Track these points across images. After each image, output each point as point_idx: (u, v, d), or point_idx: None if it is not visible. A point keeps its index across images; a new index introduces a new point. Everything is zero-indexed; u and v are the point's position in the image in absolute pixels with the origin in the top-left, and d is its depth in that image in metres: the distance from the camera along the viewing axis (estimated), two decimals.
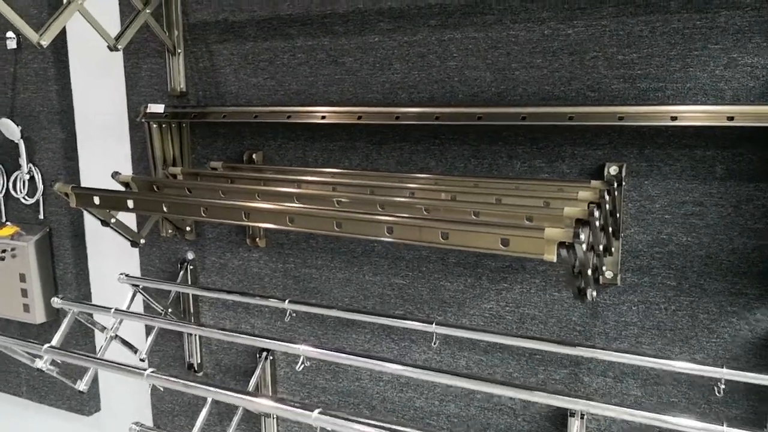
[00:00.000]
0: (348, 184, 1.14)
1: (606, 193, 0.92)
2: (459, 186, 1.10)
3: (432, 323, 1.12)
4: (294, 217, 0.93)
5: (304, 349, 1.06)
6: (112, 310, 1.28)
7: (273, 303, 1.25)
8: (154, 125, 1.47)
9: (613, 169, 1.17)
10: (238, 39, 1.47)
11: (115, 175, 1.17)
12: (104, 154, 1.77)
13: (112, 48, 1.36)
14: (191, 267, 1.62)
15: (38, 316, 1.84)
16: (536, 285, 1.27)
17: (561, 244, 0.70)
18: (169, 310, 1.55)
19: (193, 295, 1.62)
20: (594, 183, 1.04)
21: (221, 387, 0.99)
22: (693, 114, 1.03)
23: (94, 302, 1.85)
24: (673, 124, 1.03)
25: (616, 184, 1.14)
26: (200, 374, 1.69)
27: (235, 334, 1.16)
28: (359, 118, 1.25)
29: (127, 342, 1.46)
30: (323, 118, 1.29)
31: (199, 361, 1.68)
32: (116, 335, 1.40)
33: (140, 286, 1.45)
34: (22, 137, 1.80)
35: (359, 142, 1.39)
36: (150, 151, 1.48)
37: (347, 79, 1.38)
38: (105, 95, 1.70)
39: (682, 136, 1.12)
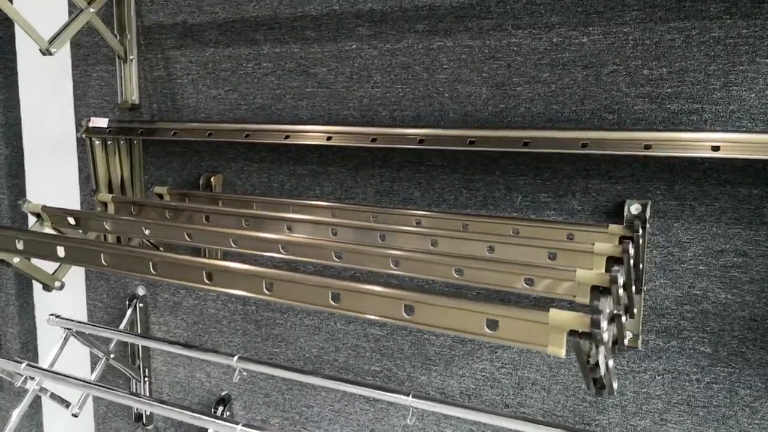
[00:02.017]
0: (301, 221, 0.93)
1: (630, 244, 0.71)
2: (445, 226, 0.89)
3: (408, 395, 0.90)
4: (273, 283, 0.67)
5: (241, 430, 0.84)
6: (23, 365, 1.07)
7: (220, 359, 1.04)
8: (97, 142, 1.26)
9: (634, 208, 0.95)
10: (197, 44, 1.27)
11: (23, 203, 0.96)
12: (54, 172, 1.56)
13: (45, 52, 1.16)
14: (141, 305, 1.41)
15: None
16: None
17: (573, 332, 0.49)
18: (112, 355, 1.33)
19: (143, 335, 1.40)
20: (613, 228, 0.82)
21: None
22: (738, 143, 0.82)
23: (39, 339, 1.64)
24: (713, 156, 0.82)
25: (639, 228, 0.93)
26: (150, 427, 1.47)
27: (174, 408, 0.94)
28: (329, 138, 1.04)
29: (57, 396, 1.24)
30: (287, 137, 1.08)
31: (148, 413, 1.46)
32: (41, 387, 1.18)
33: (73, 330, 1.24)
34: None
35: (332, 166, 1.18)
36: (92, 171, 1.28)
37: (319, 93, 1.17)
38: (55, 107, 1.50)
39: (723, 170, 0.91)
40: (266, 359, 1.30)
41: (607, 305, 0.59)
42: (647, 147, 0.85)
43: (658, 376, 0.98)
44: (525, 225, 0.87)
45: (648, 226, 0.95)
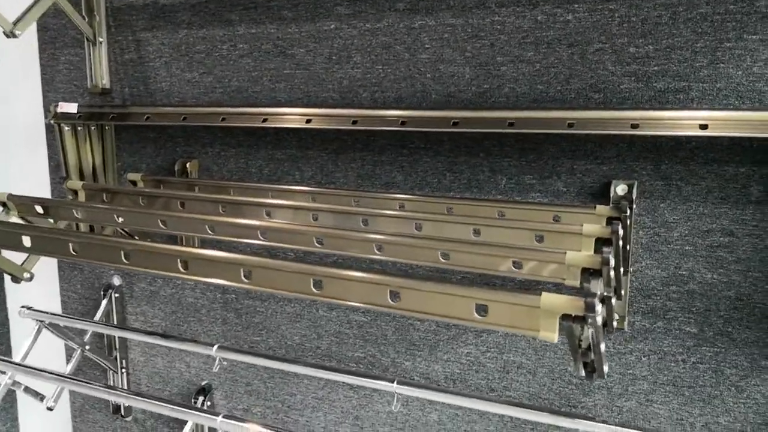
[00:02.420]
0: (279, 207, 0.90)
1: (619, 225, 0.70)
2: (429, 210, 0.87)
3: (393, 381, 0.89)
4: (252, 270, 0.64)
5: (221, 422, 0.82)
6: None
7: (200, 349, 1.01)
8: (67, 128, 1.21)
9: (621, 189, 0.94)
10: (169, 26, 1.23)
11: None
12: (23, 160, 1.51)
13: (9, 34, 1.10)
14: (116, 295, 1.37)
15: None
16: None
17: (566, 317, 0.48)
18: (87, 347, 1.29)
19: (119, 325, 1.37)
20: (600, 209, 0.81)
21: None
22: (726, 121, 0.81)
23: (12, 332, 1.59)
24: (701, 134, 0.80)
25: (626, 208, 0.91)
26: (128, 419, 1.44)
27: (152, 400, 0.91)
28: (308, 121, 1.01)
29: (31, 389, 1.21)
30: (265, 120, 1.05)
31: (127, 404, 1.42)
32: (14, 381, 1.15)
33: (46, 322, 1.20)
34: None
35: (312, 150, 1.15)
36: (62, 158, 1.23)
37: (297, 75, 1.13)
38: (25, 92, 1.44)
39: (710, 149, 0.90)
40: (247, 348, 1.27)
41: (598, 287, 0.58)
42: (634, 126, 0.84)
43: (644, 357, 0.98)
44: (510, 207, 0.85)
45: (634, 206, 0.94)
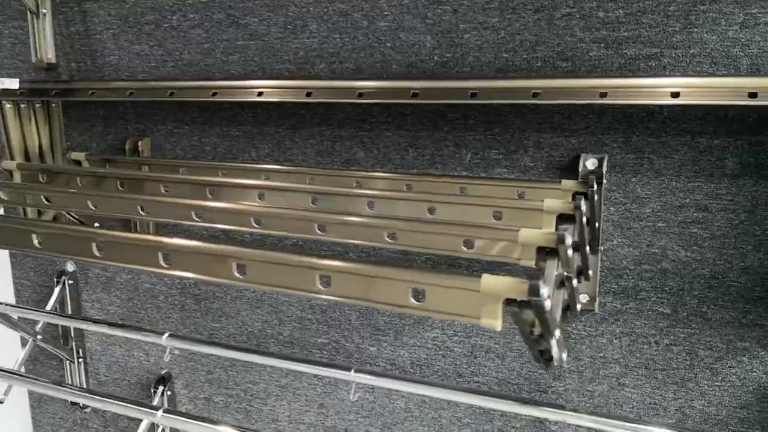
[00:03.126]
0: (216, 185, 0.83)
1: (583, 200, 0.64)
2: (388, 187, 0.81)
3: (350, 370, 0.83)
4: (246, 265, 0.54)
5: (161, 417, 0.76)
6: None
7: (149, 338, 0.96)
8: (8, 105, 1.14)
9: (590, 163, 0.89)
10: None
11: None
12: None
13: None
14: (71, 281, 1.31)
15: None
16: None
17: (511, 302, 0.42)
18: (39, 336, 1.23)
19: (71, 314, 1.31)
20: (566, 183, 0.75)
21: None
22: (700, 89, 0.76)
23: None
24: (673, 102, 0.75)
25: (595, 183, 0.86)
26: (87, 410, 1.38)
27: (101, 397, 0.85)
28: (260, 94, 0.95)
29: None
30: (215, 94, 0.98)
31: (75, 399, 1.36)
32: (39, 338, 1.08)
33: None
34: None
35: (268, 126, 1.08)
36: (4, 138, 1.16)
37: (251, 46, 1.07)
38: None
39: (683, 120, 0.85)
40: (206, 335, 1.22)
41: (554, 268, 0.52)
42: (603, 95, 0.79)
43: (616, 339, 0.93)
44: (472, 183, 0.80)
45: (604, 181, 0.89)
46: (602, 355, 0.95)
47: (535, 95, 0.81)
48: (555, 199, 0.63)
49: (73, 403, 1.39)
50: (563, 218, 0.65)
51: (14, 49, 1.27)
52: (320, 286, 0.46)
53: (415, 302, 0.45)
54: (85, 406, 1.37)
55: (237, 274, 0.54)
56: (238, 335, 1.19)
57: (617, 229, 0.90)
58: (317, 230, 0.62)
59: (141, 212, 0.80)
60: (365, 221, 0.59)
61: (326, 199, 0.77)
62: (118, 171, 0.94)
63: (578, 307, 0.90)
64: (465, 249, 0.57)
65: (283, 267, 0.47)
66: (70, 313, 1.32)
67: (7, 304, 1.15)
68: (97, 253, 0.63)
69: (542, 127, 0.92)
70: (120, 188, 0.88)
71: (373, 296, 0.45)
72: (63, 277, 1.31)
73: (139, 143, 1.16)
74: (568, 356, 0.96)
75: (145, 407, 0.77)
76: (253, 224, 0.65)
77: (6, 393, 1.18)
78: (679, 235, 0.88)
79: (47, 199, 0.86)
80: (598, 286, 0.92)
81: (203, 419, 0.74)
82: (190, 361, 1.25)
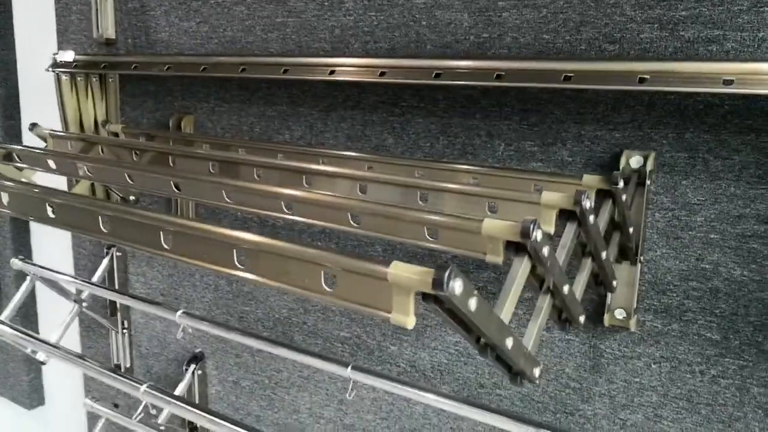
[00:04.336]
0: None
1: (584, 196, 0.55)
2: (393, 169, 0.75)
3: (347, 366, 0.78)
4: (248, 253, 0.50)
5: (144, 392, 0.74)
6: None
7: (161, 312, 0.95)
8: (65, 77, 1.18)
9: (635, 161, 0.78)
10: None
11: None
12: (49, 113, 1.50)
13: None
14: (119, 254, 1.34)
15: None
16: (517, 317, 0.90)
17: (426, 296, 0.35)
18: (84, 304, 1.27)
19: (118, 286, 1.34)
20: (588, 179, 0.66)
21: None
22: (760, 75, 0.63)
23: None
24: (724, 91, 0.64)
25: (633, 182, 0.76)
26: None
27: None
28: (285, 71, 0.92)
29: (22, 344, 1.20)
30: (243, 70, 0.96)
31: (128, 365, 1.40)
32: (84, 306, 1.13)
33: (38, 276, 1.18)
34: None
35: (302, 107, 1.05)
36: (60, 110, 1.20)
37: (290, 24, 1.04)
38: (40, 43, 1.43)
39: (746, 115, 0.72)
40: (237, 317, 1.21)
41: (521, 266, 0.45)
42: (642, 80, 0.68)
43: (655, 364, 0.82)
44: (487, 174, 0.72)
45: (650, 182, 0.78)
46: (638, 380, 0.83)
47: (566, 78, 0.72)
48: (555, 193, 0.54)
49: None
50: (566, 215, 0.56)
51: (80, 25, 1.32)
52: (237, 264, 0.42)
53: (327, 288, 0.39)
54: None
55: (238, 264, 0.49)
56: (266, 320, 1.17)
57: (662, 238, 0.79)
58: (285, 209, 0.57)
59: (175, 189, 0.78)
60: (332, 201, 0.53)
61: (324, 183, 0.72)
62: (156, 145, 0.93)
63: (606, 321, 0.80)
64: (429, 239, 0.50)
65: (207, 240, 0.43)
66: (117, 285, 1.36)
67: (50, 270, 1.19)
68: (103, 230, 0.58)
69: (584, 118, 0.82)
70: (167, 163, 0.86)
71: (290, 280, 0.40)
72: (111, 249, 1.34)
73: (183, 120, 1.17)
74: (600, 376, 0.85)
75: (133, 381, 0.76)
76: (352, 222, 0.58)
77: (48, 356, 1.23)
78: (735, 249, 0.75)
79: (88, 170, 0.87)
80: (636, 301, 0.81)
81: (181, 399, 0.72)
82: (221, 342, 1.24)
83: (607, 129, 0.80)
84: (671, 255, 0.79)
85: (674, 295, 0.79)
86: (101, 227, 0.48)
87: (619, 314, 0.82)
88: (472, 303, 0.35)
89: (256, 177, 0.74)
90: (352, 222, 0.54)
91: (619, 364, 0.84)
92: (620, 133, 0.80)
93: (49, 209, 0.63)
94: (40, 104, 1.51)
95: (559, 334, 0.88)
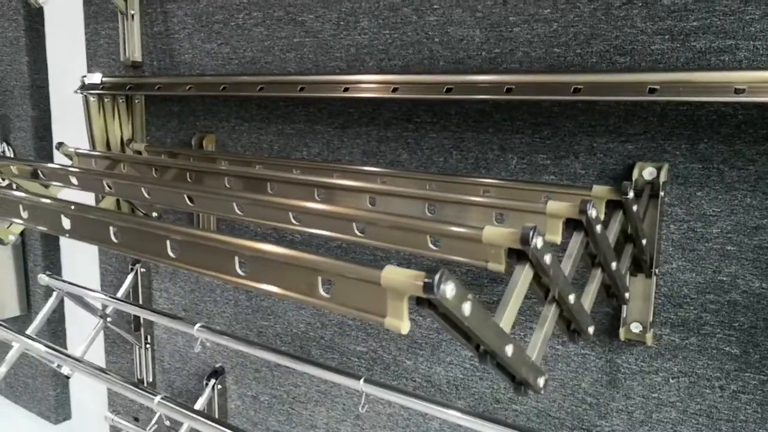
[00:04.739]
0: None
1: (590, 205, 0.55)
2: (405, 183, 0.76)
3: (360, 379, 0.78)
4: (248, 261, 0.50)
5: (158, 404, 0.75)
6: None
7: (180, 326, 0.97)
8: (92, 99, 1.22)
9: (648, 172, 0.77)
10: None
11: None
12: (80, 133, 1.55)
13: (34, 4, 1.12)
14: (143, 270, 1.37)
15: (6, 309, 1.67)
16: (532, 333, 0.90)
17: (420, 301, 0.35)
18: (109, 318, 1.30)
19: (142, 301, 1.37)
20: (598, 190, 0.66)
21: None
22: None
23: (66, 302, 1.65)
24: (735, 100, 0.63)
25: (647, 194, 0.75)
26: None
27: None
28: (301, 89, 0.93)
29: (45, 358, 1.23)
30: (260, 89, 0.98)
31: (150, 380, 1.42)
32: (108, 321, 1.16)
33: (64, 291, 1.21)
34: None
35: (319, 125, 1.07)
36: (88, 130, 1.24)
37: (307, 43, 1.06)
38: (72, 66, 1.48)
39: (761, 124, 0.71)
40: (256, 332, 1.22)
41: (523, 274, 0.45)
42: (652, 91, 0.68)
43: (673, 379, 0.80)
44: (498, 186, 0.72)
45: (664, 194, 0.77)
46: (656, 395, 0.82)
47: (575, 91, 0.72)
48: (561, 202, 0.54)
49: None
50: (573, 225, 0.56)
51: (108, 49, 1.36)
52: (239, 271, 0.43)
53: (324, 294, 0.39)
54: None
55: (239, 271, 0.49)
56: (284, 335, 1.18)
57: (678, 251, 0.78)
58: (293, 220, 0.58)
59: (188, 202, 0.80)
60: (332, 211, 0.54)
61: (338, 196, 0.73)
62: (177, 162, 0.96)
63: (622, 335, 0.79)
64: (432, 247, 0.50)
65: (207, 248, 0.44)
66: (141, 301, 1.38)
67: (76, 285, 1.22)
68: (114, 240, 0.60)
69: (596, 130, 0.82)
70: (187, 179, 0.89)
71: (287, 286, 0.41)
72: (136, 265, 1.37)
73: (204, 139, 1.20)
74: (617, 392, 0.84)
75: (148, 392, 0.77)
76: (188, 201, 0.62)
77: (72, 370, 1.26)
78: (752, 261, 0.74)
79: (109, 186, 0.90)
80: (653, 315, 0.80)
81: (194, 410, 0.73)
82: (241, 357, 1.26)
83: (620, 141, 0.80)
84: (687, 267, 0.78)
85: (691, 308, 0.78)
86: (112, 238, 0.50)
87: (635, 328, 0.80)
88: (466, 307, 0.36)
89: (269, 191, 0.76)
90: (357, 232, 0.54)
91: (636, 379, 0.83)
92: (633, 145, 0.79)
93: (65, 221, 0.66)
94: (71, 125, 1.56)
95: (574, 348, 0.87)
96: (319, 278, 0.39)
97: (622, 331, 0.81)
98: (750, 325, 0.75)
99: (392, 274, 0.35)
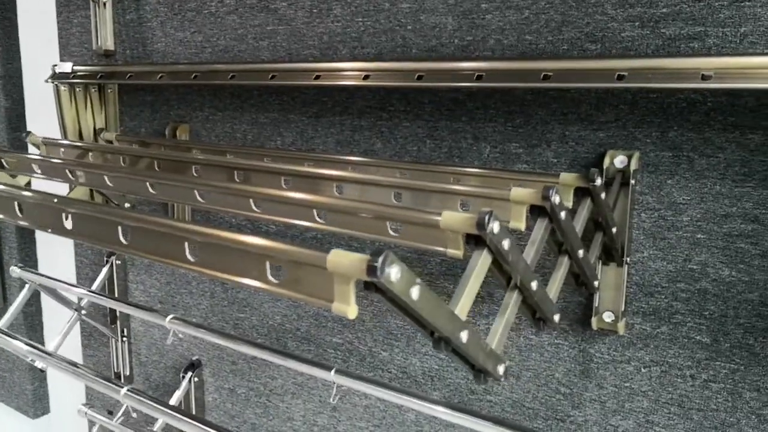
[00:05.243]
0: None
1: (553, 191, 0.54)
2: (377, 171, 0.75)
3: (331, 370, 0.77)
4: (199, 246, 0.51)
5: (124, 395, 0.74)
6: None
7: (152, 318, 0.95)
8: (63, 88, 1.20)
9: (619, 161, 0.77)
10: None
11: None
12: (55, 123, 1.53)
13: None
14: (118, 262, 1.35)
15: None
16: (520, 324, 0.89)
17: (367, 285, 0.35)
18: (83, 311, 1.28)
19: (118, 293, 1.35)
20: (565, 177, 0.65)
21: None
22: (740, 69, 0.62)
23: (42, 296, 1.63)
24: (702, 86, 0.63)
25: (618, 182, 0.75)
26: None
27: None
28: (272, 77, 0.92)
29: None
30: (232, 77, 0.97)
31: (127, 373, 1.41)
32: (83, 314, 1.15)
33: (37, 283, 1.20)
34: None
35: (293, 114, 1.05)
36: (59, 120, 1.22)
37: (280, 31, 1.04)
38: (44, 56, 1.46)
39: (730, 112, 0.71)
40: (232, 324, 1.21)
41: (481, 259, 0.44)
42: (620, 78, 0.67)
43: (644, 368, 0.80)
44: (466, 174, 0.72)
45: (634, 182, 0.77)
46: (628, 385, 0.82)
47: (545, 78, 0.71)
48: (524, 189, 0.53)
49: (115, 378, 1.43)
50: (537, 211, 0.55)
51: (81, 37, 1.34)
52: (189, 257, 0.42)
53: (273, 279, 0.38)
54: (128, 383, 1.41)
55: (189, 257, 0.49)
56: (260, 327, 1.17)
57: (648, 239, 0.77)
58: (254, 207, 0.57)
59: (150, 190, 0.78)
60: (292, 198, 0.53)
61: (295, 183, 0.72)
62: (145, 150, 0.94)
63: (594, 325, 0.79)
64: (393, 234, 0.49)
65: (156, 233, 0.43)
66: (116, 293, 1.37)
67: (48, 277, 1.20)
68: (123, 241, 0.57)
69: (567, 118, 0.81)
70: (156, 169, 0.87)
71: (235, 270, 0.40)
72: (111, 258, 1.36)
73: (178, 129, 1.18)
74: (590, 381, 0.84)
75: (112, 383, 0.76)
76: (150, 189, 0.61)
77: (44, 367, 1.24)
78: (722, 249, 0.73)
79: (71, 173, 0.88)
80: (624, 304, 0.79)
81: (157, 400, 0.72)
82: (217, 350, 1.24)
83: (591, 129, 0.80)
84: (658, 256, 0.77)
85: (662, 297, 0.78)
86: (64, 224, 0.49)
87: (608, 317, 0.80)
88: (414, 292, 0.35)
89: (236, 179, 0.74)
90: (317, 218, 0.54)
91: (609, 369, 0.83)
92: (604, 133, 0.79)
93: (17, 207, 0.64)
94: (45, 116, 1.54)
95: (548, 338, 0.87)
96: (268, 263, 0.38)
97: (594, 320, 0.81)
98: (720, 314, 0.75)
99: (338, 258, 0.34)
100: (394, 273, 0.34)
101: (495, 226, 0.42)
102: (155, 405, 0.72)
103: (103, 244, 0.47)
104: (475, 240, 0.44)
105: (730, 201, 0.72)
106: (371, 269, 0.33)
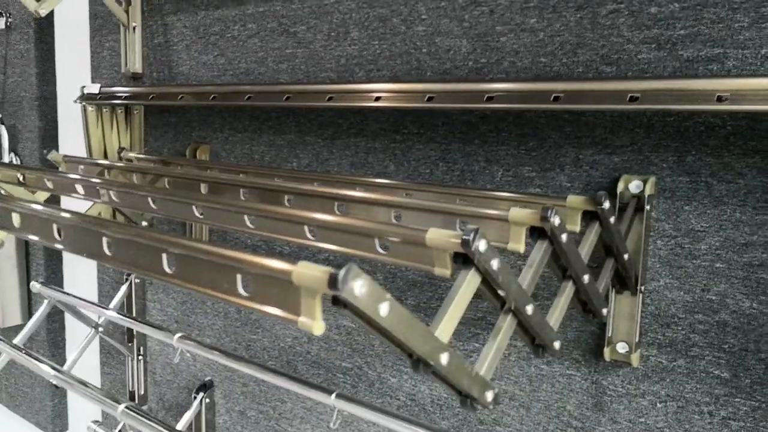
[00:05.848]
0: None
1: (552, 212, 0.52)
2: (385, 192, 0.74)
3: (331, 394, 0.76)
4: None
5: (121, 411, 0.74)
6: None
7: (161, 336, 0.95)
8: (90, 108, 1.23)
9: (634, 186, 0.74)
10: (190, 8, 1.21)
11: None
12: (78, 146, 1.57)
13: (35, 13, 1.14)
14: (137, 280, 1.36)
15: (8, 318, 1.67)
16: (517, 350, 0.86)
17: (335, 300, 0.33)
18: (101, 329, 1.29)
19: (136, 312, 1.36)
20: (572, 200, 0.63)
21: None
22: (762, 92, 0.60)
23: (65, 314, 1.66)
24: (717, 108, 0.60)
25: (632, 207, 0.72)
26: (144, 408, 1.42)
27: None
28: (287, 98, 0.93)
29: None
30: (248, 98, 0.98)
31: (142, 392, 1.41)
32: (101, 331, 1.16)
33: (55, 299, 1.21)
34: (2, 123, 1.65)
35: (309, 136, 1.06)
36: (86, 140, 1.25)
37: (299, 54, 1.05)
38: (79, 78, 1.50)
39: (751, 136, 0.68)
40: (245, 345, 1.20)
41: (467, 279, 0.42)
42: (633, 99, 0.66)
43: (660, 403, 0.76)
44: (472, 195, 0.70)
45: (649, 207, 0.74)
46: (643, 420, 0.78)
47: (555, 99, 0.70)
48: (523, 209, 0.52)
49: (130, 399, 1.44)
50: (537, 233, 0.53)
51: (111, 60, 1.38)
52: (167, 269, 0.41)
53: (243, 292, 0.37)
54: (142, 403, 1.41)
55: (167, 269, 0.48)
56: (271, 349, 1.16)
57: (664, 268, 0.74)
58: (248, 223, 0.56)
59: (152, 205, 0.79)
60: (281, 213, 0.53)
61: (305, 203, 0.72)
62: (159, 168, 0.96)
63: (607, 356, 0.76)
64: (380, 251, 0.48)
65: (136, 243, 0.43)
66: (134, 312, 1.38)
67: (68, 294, 1.22)
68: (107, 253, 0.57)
69: (581, 142, 0.79)
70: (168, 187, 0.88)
71: (208, 283, 0.39)
72: (130, 276, 1.37)
73: (198, 149, 1.19)
74: (603, 415, 0.80)
75: (111, 399, 0.76)
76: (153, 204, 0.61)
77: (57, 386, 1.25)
78: (742, 280, 0.70)
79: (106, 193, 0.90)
80: (639, 334, 0.76)
81: (158, 421, 0.71)
82: (229, 371, 1.24)
83: (606, 153, 0.77)
84: (675, 285, 0.74)
85: (679, 328, 0.74)
86: (55, 236, 0.49)
87: (621, 348, 0.77)
88: (383, 308, 0.33)
89: (242, 197, 0.74)
90: (308, 235, 0.53)
91: (622, 403, 0.79)
92: (619, 157, 0.77)
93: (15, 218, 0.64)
94: (77, 136, 1.58)
95: (559, 368, 0.84)
96: (239, 276, 0.37)
97: (607, 350, 0.77)
98: (740, 348, 0.71)
99: (303, 269, 0.33)
100: (358, 287, 0.32)
101: (481, 245, 0.40)
102: (153, 424, 0.72)
103: (89, 256, 0.47)
104: (463, 258, 0.42)
105: (750, 229, 0.69)
106: (333, 281, 0.31)
